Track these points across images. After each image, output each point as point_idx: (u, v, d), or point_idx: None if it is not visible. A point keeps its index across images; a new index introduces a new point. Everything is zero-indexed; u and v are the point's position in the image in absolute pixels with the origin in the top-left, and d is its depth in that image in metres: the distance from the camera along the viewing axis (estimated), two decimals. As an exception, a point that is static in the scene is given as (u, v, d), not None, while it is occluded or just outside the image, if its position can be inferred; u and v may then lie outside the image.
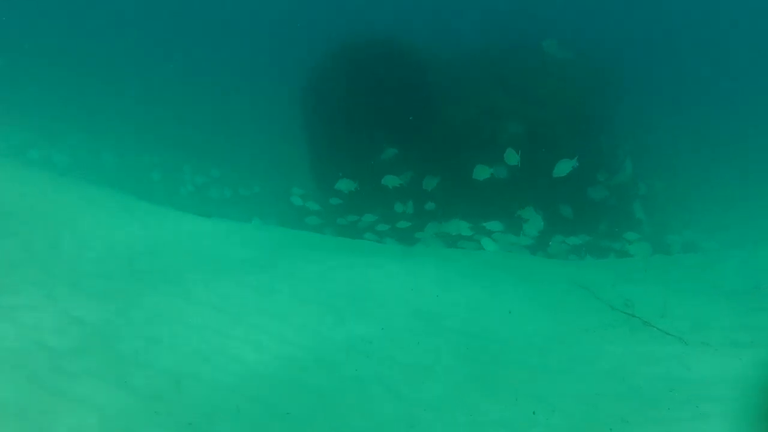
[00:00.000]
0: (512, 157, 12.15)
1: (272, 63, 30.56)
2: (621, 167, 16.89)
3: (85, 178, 12.60)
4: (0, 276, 7.81)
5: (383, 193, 13.95)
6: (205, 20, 37.75)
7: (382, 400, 6.13)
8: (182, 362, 6.28)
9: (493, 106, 15.79)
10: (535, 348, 7.68)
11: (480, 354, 7.32)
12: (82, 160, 16.21)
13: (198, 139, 24.09)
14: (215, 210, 14.96)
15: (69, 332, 6.58)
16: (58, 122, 20.21)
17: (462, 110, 15.80)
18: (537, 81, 16.33)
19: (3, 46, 27.53)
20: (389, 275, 9.38)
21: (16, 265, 8.21)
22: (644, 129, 20.62)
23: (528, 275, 10.97)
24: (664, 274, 11.53)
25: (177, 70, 31.05)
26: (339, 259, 9.93)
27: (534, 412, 6.21)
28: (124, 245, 9.42)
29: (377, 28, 17.70)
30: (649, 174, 19.18)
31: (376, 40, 17.16)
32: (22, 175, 11.23)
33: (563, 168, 12.45)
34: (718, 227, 17.27)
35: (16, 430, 5.19)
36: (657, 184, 18.92)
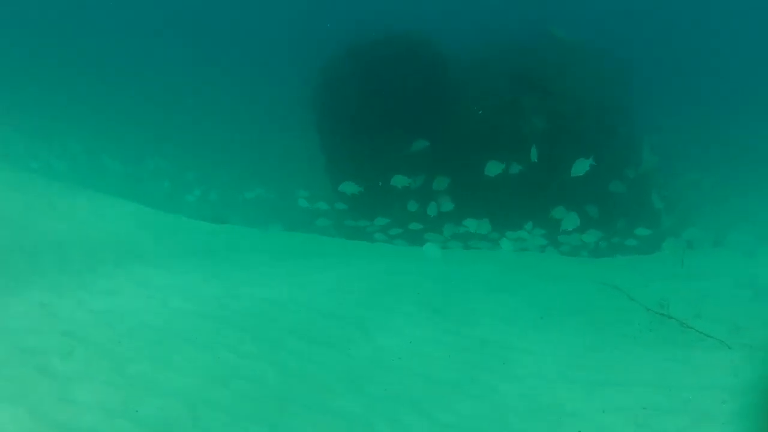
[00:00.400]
0: (533, 154, 11.60)
1: (283, 61, 29.88)
2: (642, 158, 16.27)
3: (90, 186, 12.05)
4: (4, 293, 7.31)
5: (398, 194, 13.36)
6: (212, 20, 37.16)
7: (413, 423, 5.57)
8: (196, 386, 5.72)
9: (511, 101, 15.17)
10: (573, 359, 7.09)
11: (516, 368, 6.74)
12: (85, 166, 15.63)
13: (205, 142, 23.45)
14: (227, 215, 14.40)
15: (74, 355, 6.03)
16: (60, 127, 19.59)
17: (479, 106, 15.21)
18: (556, 74, 15.69)
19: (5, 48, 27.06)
20: (412, 282, 8.83)
21: (20, 280, 7.69)
22: (671, 119, 19.90)
23: (554, 276, 10.44)
24: (695, 270, 11.00)
25: (184, 71, 30.41)
26: (356, 265, 9.39)
27: (579, 432, 5.66)
28: (135, 258, 8.91)
29: (391, 24, 17.05)
30: (678, 166, 18.50)
31: (390, 36, 16.55)
32: (25, 183, 10.75)
33: (580, 167, 12.02)
34: (749, 221, 16.62)
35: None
36: (688, 176, 18.20)
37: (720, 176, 18.90)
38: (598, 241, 13.51)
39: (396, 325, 7.27)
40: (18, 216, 9.49)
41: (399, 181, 12.61)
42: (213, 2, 36.54)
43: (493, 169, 12.35)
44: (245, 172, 20.94)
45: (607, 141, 15.59)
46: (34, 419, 5.05)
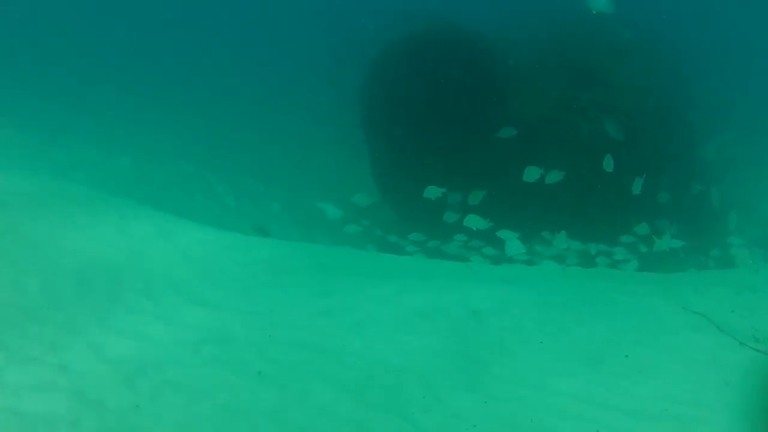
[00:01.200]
0: (607, 164, 10.25)
1: (325, 56, 28.35)
2: (707, 162, 14.75)
3: (114, 195, 10.83)
4: (14, 330, 6.18)
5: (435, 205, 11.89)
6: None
7: None
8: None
9: (569, 98, 13.69)
10: (679, 422, 5.75)
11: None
12: (108, 174, 14.36)
13: (237, 144, 21.98)
14: (268, 227, 13.15)
15: (82, 426, 4.87)
16: (80, 131, 18.32)
17: (531, 105, 13.78)
18: (615, 67, 14.14)
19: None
20: (477, 314, 7.49)
21: (32, 315, 6.56)
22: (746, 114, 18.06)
23: (625, 296, 9.06)
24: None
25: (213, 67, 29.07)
26: (414, 291, 8.04)
27: None
28: (165, 284, 7.71)
29: (435, 16, 15.62)
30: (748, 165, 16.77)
31: (435, 30, 15.14)
32: (43, 194, 9.63)
33: (635, 186, 10.90)
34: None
35: None
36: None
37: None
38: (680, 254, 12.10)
39: (466, 380, 5.95)
40: (36, 234, 8.35)
41: (432, 192, 11.23)
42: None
43: (531, 175, 11.08)
44: (277, 178, 19.56)
45: (671, 141, 14.11)
46: None
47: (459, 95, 13.96)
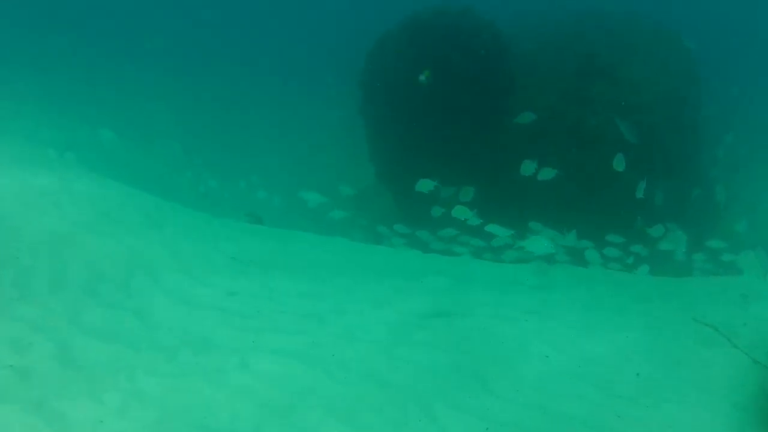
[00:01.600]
0: (618, 163, 9.61)
1: (324, 41, 27.63)
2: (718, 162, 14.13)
3: (101, 175, 10.19)
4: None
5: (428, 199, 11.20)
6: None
7: None
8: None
9: (576, 90, 13.01)
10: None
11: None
12: (96, 152, 13.62)
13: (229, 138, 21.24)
14: (263, 215, 12.48)
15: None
16: (72, 109, 17.56)
17: (541, 95, 13.11)
18: (629, 61, 13.45)
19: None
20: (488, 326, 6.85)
21: (3, 305, 5.97)
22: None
23: (633, 303, 8.46)
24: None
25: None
26: (417, 292, 7.43)
27: None
28: (146, 273, 7.11)
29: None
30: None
31: (442, 15, 14.39)
32: (26, 172, 9.01)
33: (639, 190, 10.33)
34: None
35: None
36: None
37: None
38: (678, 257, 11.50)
39: (466, 400, 5.33)
40: (18, 221, 7.73)
41: (424, 186, 10.55)
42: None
43: (527, 168, 10.47)
44: (271, 166, 18.88)
45: (680, 141, 13.47)
46: None
47: (461, 84, 13.27)
